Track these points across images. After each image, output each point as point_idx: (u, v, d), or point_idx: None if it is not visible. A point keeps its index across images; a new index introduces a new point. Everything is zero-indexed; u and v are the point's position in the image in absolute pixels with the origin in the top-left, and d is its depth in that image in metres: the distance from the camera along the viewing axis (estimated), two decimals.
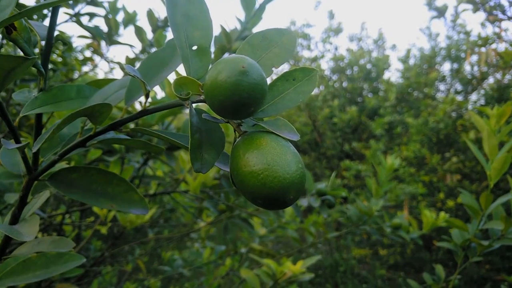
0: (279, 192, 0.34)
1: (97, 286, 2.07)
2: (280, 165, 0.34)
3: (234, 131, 0.39)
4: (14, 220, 0.57)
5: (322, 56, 5.76)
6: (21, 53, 0.45)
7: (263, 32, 0.41)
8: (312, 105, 4.98)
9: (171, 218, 2.42)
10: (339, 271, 3.76)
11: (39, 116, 0.50)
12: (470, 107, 4.01)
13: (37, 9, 0.39)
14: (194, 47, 0.40)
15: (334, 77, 5.63)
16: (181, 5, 0.40)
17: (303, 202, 1.52)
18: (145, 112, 0.41)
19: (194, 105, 0.39)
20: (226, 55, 1.44)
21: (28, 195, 0.54)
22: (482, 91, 4.27)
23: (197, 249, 2.51)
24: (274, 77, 0.48)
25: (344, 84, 5.46)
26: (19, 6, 0.83)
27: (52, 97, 0.48)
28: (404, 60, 5.14)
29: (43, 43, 0.48)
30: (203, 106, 0.48)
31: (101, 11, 1.76)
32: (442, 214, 1.77)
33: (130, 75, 0.37)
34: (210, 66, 0.40)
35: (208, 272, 2.23)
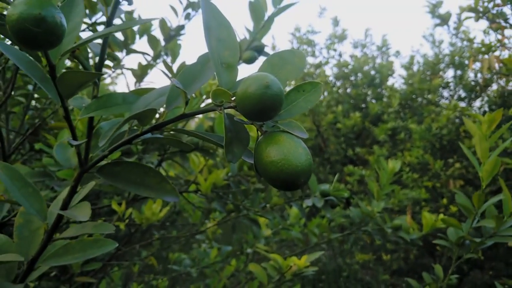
0: (293, 176, 0.45)
1: (105, 286, 2.14)
2: (294, 156, 0.45)
3: (257, 131, 0.49)
4: (65, 207, 0.67)
5: (327, 62, 5.84)
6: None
7: (280, 53, 0.52)
8: (316, 110, 5.06)
9: (177, 220, 2.50)
10: (342, 276, 3.78)
11: (91, 119, 0.60)
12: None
13: (96, 37, 0.50)
14: (224, 64, 0.50)
15: (338, 83, 5.70)
16: (214, 30, 0.51)
17: (308, 202, 1.61)
18: (184, 115, 0.51)
19: (224, 110, 0.49)
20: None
21: (78, 185, 0.65)
22: (486, 98, 4.32)
23: (204, 249, 2.59)
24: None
25: (348, 90, 5.53)
26: None
27: (103, 103, 0.58)
28: (408, 66, 5.21)
29: (96, 58, 0.58)
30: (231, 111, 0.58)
31: (117, 21, 1.87)
32: (441, 215, 1.85)
33: (176, 87, 0.47)
34: (236, 80, 0.50)
35: (214, 272, 2.31)
